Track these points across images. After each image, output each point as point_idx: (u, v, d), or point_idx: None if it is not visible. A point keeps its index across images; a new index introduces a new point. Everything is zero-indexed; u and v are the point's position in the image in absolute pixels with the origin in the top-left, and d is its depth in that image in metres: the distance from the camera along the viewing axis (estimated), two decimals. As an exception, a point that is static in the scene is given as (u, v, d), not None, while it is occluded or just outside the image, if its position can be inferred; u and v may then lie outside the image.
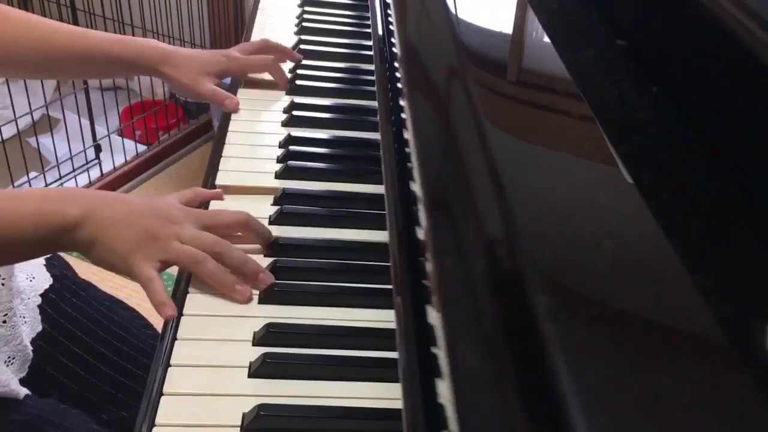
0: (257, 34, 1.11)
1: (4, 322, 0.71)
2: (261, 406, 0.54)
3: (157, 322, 0.73)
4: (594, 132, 0.46)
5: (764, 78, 0.38)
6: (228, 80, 0.98)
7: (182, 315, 0.62)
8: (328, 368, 0.58)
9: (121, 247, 0.62)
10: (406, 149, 0.59)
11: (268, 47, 0.97)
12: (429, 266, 0.45)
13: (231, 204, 0.74)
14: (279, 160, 0.82)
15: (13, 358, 0.72)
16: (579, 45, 0.55)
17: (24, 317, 0.75)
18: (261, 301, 0.64)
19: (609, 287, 0.36)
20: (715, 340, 0.32)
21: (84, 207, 0.62)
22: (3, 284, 0.72)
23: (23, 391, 0.69)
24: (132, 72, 0.94)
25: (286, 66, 0.99)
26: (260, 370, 0.57)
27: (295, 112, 0.90)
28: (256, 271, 0.64)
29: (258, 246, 0.69)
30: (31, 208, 0.61)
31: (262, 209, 0.74)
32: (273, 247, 0.69)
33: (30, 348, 0.74)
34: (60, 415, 0.70)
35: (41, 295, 0.78)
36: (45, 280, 0.80)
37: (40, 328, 0.77)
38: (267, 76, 0.96)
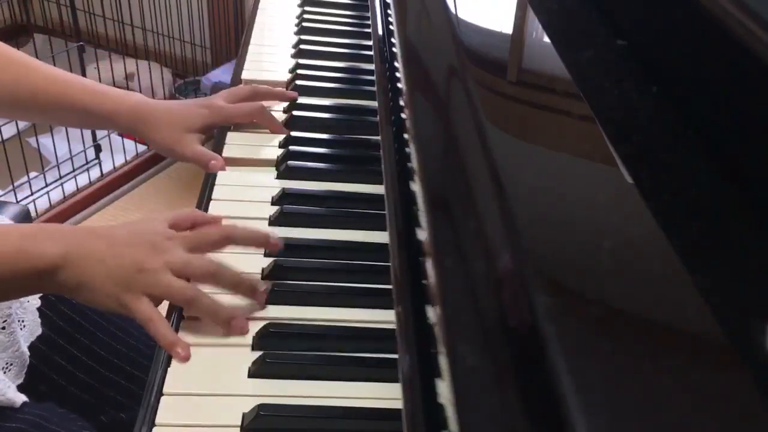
0: (257, 34, 1.11)
1: (3, 328, 0.71)
2: (261, 406, 0.54)
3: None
4: (594, 132, 0.46)
5: (764, 78, 0.38)
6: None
7: (182, 316, 0.62)
8: (328, 368, 0.58)
9: (109, 287, 0.59)
10: (406, 149, 0.59)
11: (256, 94, 0.88)
12: (429, 266, 0.45)
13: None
14: (279, 161, 0.82)
15: (11, 365, 0.72)
16: (579, 45, 0.55)
17: (23, 321, 0.75)
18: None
19: (609, 287, 0.36)
20: (715, 340, 0.32)
21: (63, 247, 0.58)
22: (3, 290, 0.71)
23: (21, 399, 0.68)
24: (107, 127, 0.86)
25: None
26: (260, 370, 0.57)
27: (295, 112, 0.90)
28: (253, 289, 0.63)
29: (257, 246, 0.68)
30: (9, 248, 0.58)
31: (261, 211, 0.74)
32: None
33: (27, 354, 0.74)
34: (56, 421, 0.70)
35: (40, 298, 0.78)
36: (44, 282, 0.79)
37: (39, 331, 0.77)
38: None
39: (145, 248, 0.61)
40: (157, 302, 0.60)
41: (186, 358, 0.58)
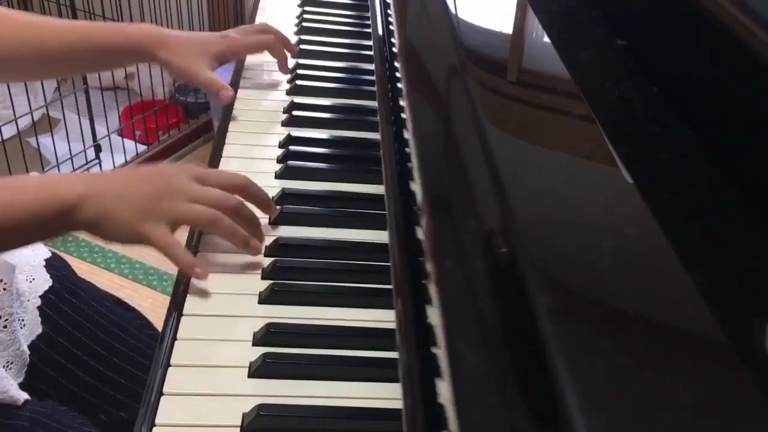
0: (257, 34, 1.11)
1: (5, 327, 0.71)
2: (261, 406, 0.54)
3: (157, 322, 0.73)
4: (594, 132, 0.46)
5: (764, 78, 0.38)
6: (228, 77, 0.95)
7: (182, 315, 0.62)
8: (328, 368, 0.58)
9: (128, 216, 0.60)
10: (406, 149, 0.59)
11: (267, 31, 0.95)
12: (429, 266, 0.45)
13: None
14: (279, 160, 0.82)
15: (12, 363, 0.72)
16: (579, 45, 0.55)
17: (23, 320, 0.75)
18: (261, 301, 0.64)
19: (609, 287, 0.36)
20: (715, 340, 0.32)
21: (82, 187, 0.61)
22: (4, 289, 0.71)
23: (22, 397, 0.68)
24: (128, 59, 0.89)
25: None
26: (260, 370, 0.57)
27: (295, 112, 0.90)
28: (260, 226, 0.67)
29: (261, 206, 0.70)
30: (29, 198, 0.60)
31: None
32: (273, 246, 0.69)
33: (27, 353, 0.74)
34: (57, 418, 0.70)
35: (41, 297, 0.78)
36: (45, 282, 0.80)
37: (39, 329, 0.77)
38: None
39: (163, 179, 0.63)
40: (175, 228, 0.62)
41: (205, 275, 0.62)
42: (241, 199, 0.66)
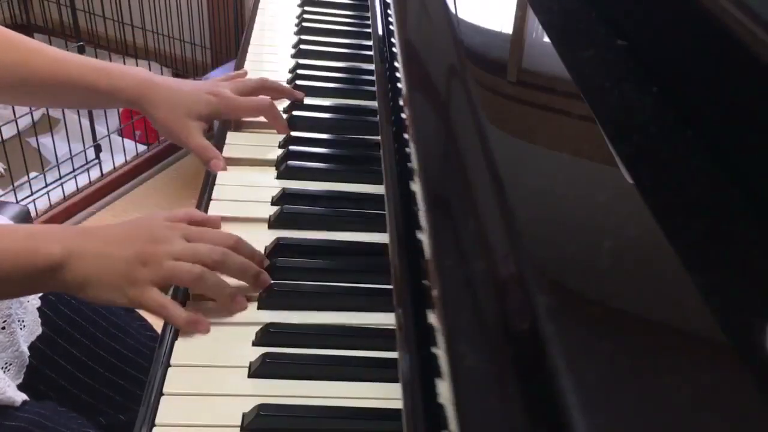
0: (257, 34, 1.11)
1: (3, 328, 0.71)
2: (261, 406, 0.54)
3: (157, 323, 0.73)
4: (594, 132, 0.46)
5: (764, 78, 0.38)
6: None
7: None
8: (328, 368, 0.58)
9: (114, 281, 0.59)
10: (406, 149, 0.59)
11: (265, 87, 0.88)
12: (429, 266, 0.45)
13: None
14: (279, 160, 0.82)
15: (10, 365, 0.72)
16: (579, 45, 0.55)
17: (23, 321, 0.75)
18: (261, 302, 0.64)
19: (609, 287, 0.36)
20: (715, 340, 0.32)
21: (65, 245, 0.59)
22: (3, 291, 0.71)
23: (20, 398, 0.68)
24: (113, 104, 0.84)
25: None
26: (260, 370, 0.57)
27: (295, 112, 0.90)
28: (258, 275, 0.63)
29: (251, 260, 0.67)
30: (17, 247, 0.58)
31: (261, 211, 0.74)
32: (273, 247, 0.69)
33: (27, 354, 0.74)
34: (56, 419, 0.70)
35: (40, 298, 0.78)
36: (44, 282, 0.79)
37: (39, 331, 0.77)
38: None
39: (145, 239, 0.61)
40: (163, 288, 0.61)
41: (207, 329, 0.60)
42: (229, 251, 0.63)
